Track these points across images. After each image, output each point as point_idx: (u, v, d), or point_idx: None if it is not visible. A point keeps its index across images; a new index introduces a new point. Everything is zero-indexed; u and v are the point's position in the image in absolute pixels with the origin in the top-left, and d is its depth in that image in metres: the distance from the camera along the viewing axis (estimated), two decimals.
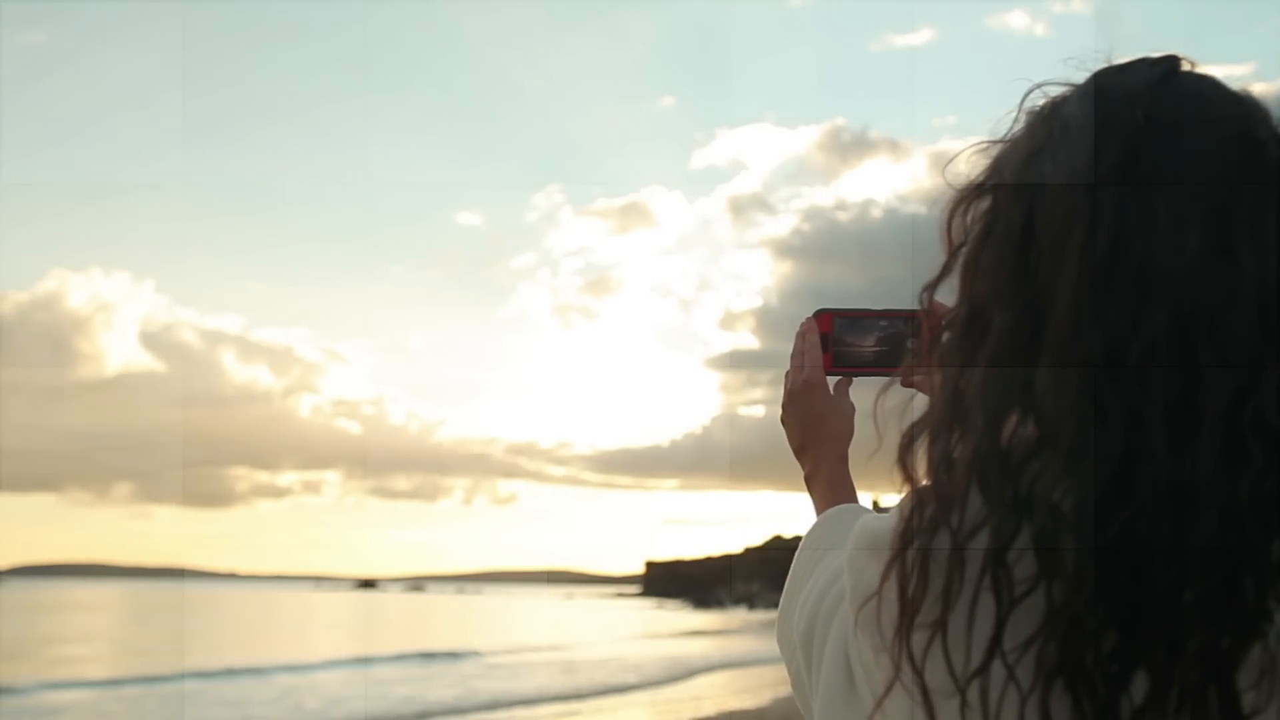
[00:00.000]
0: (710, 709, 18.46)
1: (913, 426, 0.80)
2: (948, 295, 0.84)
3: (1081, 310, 0.73)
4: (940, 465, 0.77)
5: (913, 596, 0.76)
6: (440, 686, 22.13)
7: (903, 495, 0.80)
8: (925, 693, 0.76)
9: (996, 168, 0.82)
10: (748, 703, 19.35)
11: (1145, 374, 0.72)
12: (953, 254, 0.82)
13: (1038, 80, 0.84)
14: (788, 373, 1.23)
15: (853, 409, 1.21)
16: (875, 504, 1.17)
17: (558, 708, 19.08)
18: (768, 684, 22.91)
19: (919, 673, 0.76)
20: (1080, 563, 0.71)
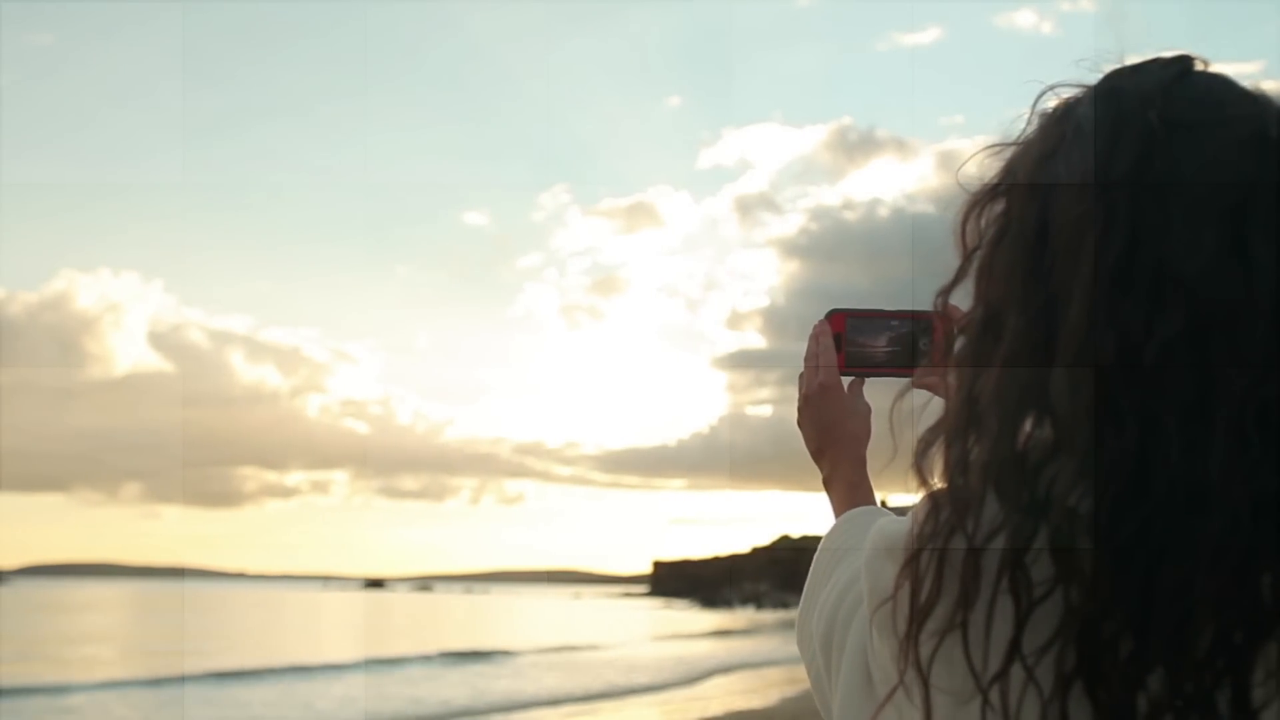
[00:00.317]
0: (718, 709, 18.46)
1: (929, 431, 0.80)
2: (961, 298, 0.83)
3: (1096, 312, 0.73)
4: (956, 469, 0.77)
5: (926, 600, 0.76)
6: (451, 687, 22.13)
7: (918, 499, 0.80)
8: (927, 696, 0.76)
9: (1010, 170, 0.82)
10: (756, 703, 19.33)
11: (1160, 376, 0.71)
12: (967, 258, 0.82)
13: (1049, 81, 0.83)
14: (802, 375, 1.23)
15: (868, 410, 1.21)
16: (883, 503, 1.18)
17: (568, 709, 19.07)
18: (775, 684, 22.90)
19: (924, 677, 0.76)
20: (1097, 565, 0.71)
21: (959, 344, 0.81)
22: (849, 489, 1.16)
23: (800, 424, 1.22)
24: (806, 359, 1.22)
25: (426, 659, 27.89)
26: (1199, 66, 0.80)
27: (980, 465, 0.76)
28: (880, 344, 1.22)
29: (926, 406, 0.82)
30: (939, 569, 0.76)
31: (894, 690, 0.78)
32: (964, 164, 0.84)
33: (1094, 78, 0.82)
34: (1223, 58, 0.80)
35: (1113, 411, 0.72)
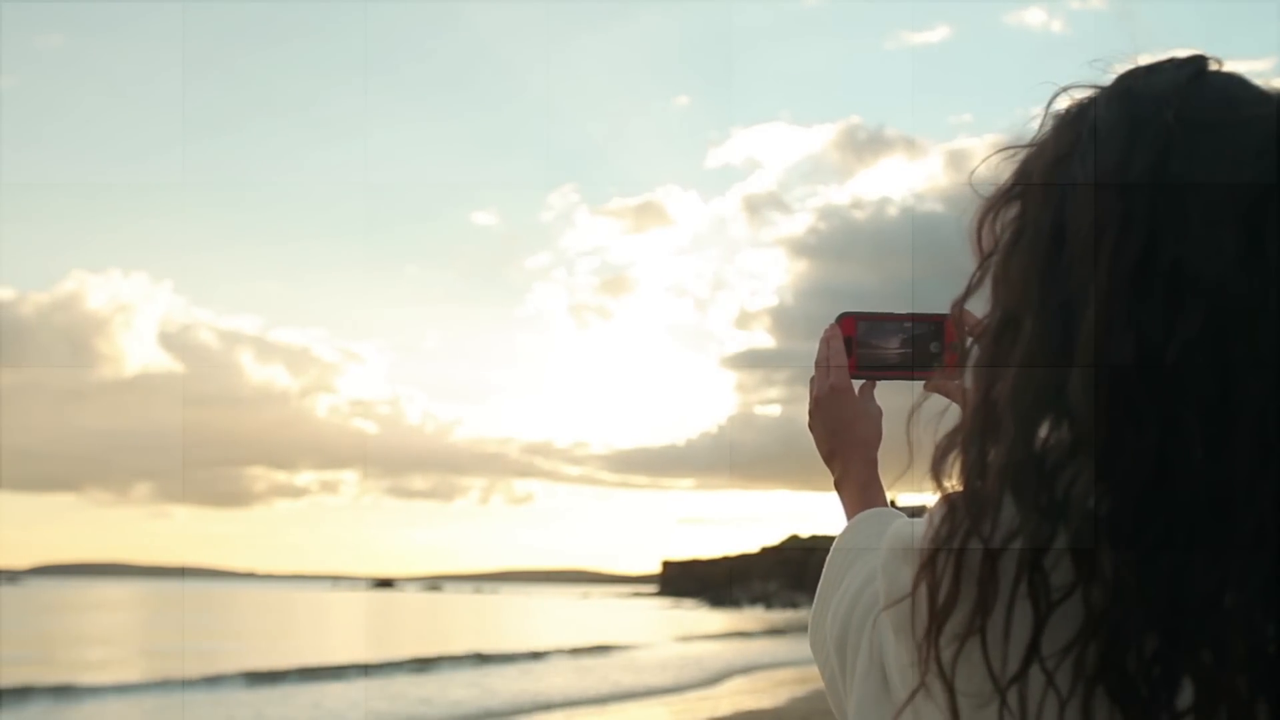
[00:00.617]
0: (728, 709, 18.46)
1: (946, 436, 0.79)
2: (974, 303, 0.83)
3: (1114, 314, 0.73)
4: (973, 472, 0.77)
5: (944, 604, 0.76)
6: (459, 689, 22.10)
7: (934, 501, 0.80)
8: (953, 699, 0.76)
9: (1024, 173, 0.82)
10: (765, 703, 19.33)
11: (1180, 377, 0.71)
12: (983, 262, 0.82)
13: (1061, 82, 0.83)
14: (813, 378, 1.23)
15: (879, 412, 1.21)
16: (892, 503, 1.17)
17: (576, 711, 19.07)
18: (785, 684, 22.88)
19: (948, 680, 0.75)
20: (1119, 567, 0.71)
21: (976, 347, 0.80)
22: (861, 491, 1.16)
23: (811, 426, 1.22)
24: (817, 362, 1.22)
25: (437, 661, 27.85)
26: (1213, 66, 0.79)
27: (997, 468, 0.75)
28: (892, 347, 1.22)
29: (945, 412, 0.81)
30: (957, 571, 0.76)
31: (915, 693, 0.78)
32: (976, 167, 0.84)
33: (1107, 79, 0.81)
34: (1233, 55, 0.80)
35: (1132, 413, 0.72)
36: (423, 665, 26.77)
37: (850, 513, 1.16)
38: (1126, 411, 0.72)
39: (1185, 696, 0.70)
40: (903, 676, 0.83)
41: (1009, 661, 0.74)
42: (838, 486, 1.19)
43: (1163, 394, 0.71)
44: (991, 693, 0.74)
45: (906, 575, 0.80)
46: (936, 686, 0.76)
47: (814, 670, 1.07)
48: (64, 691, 19.89)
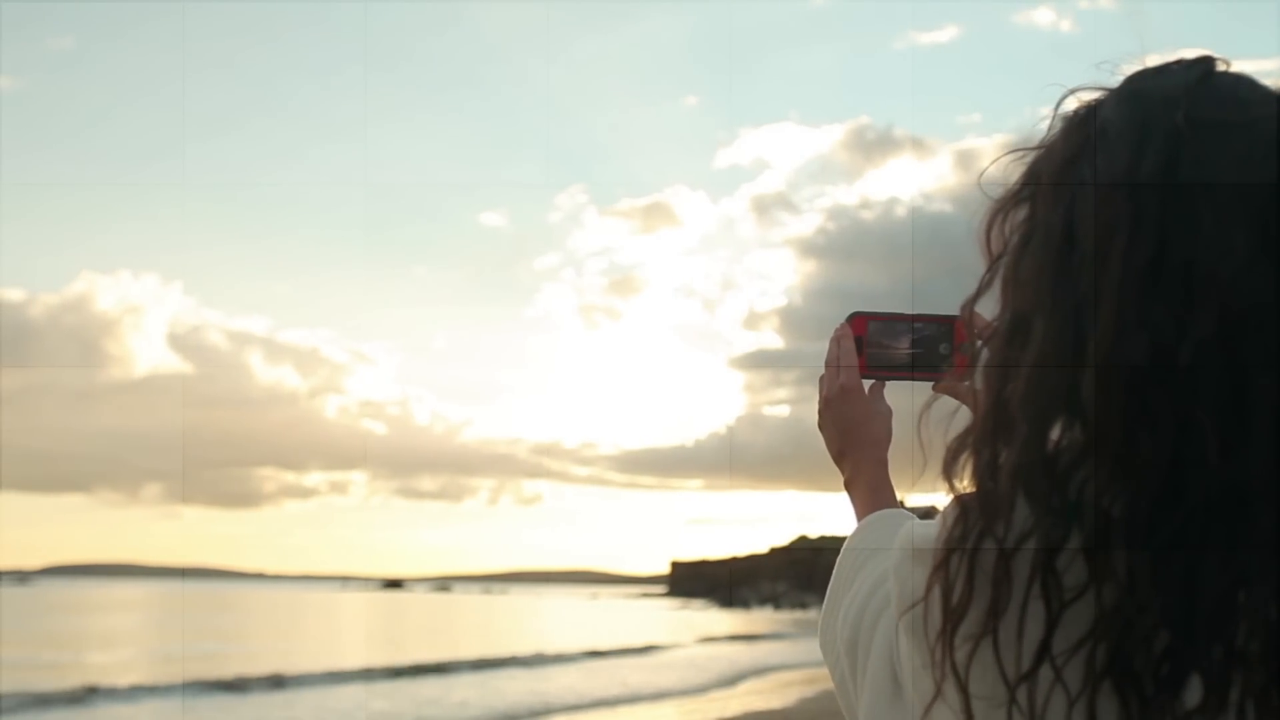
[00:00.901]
0: (736, 709, 18.45)
1: (958, 437, 0.80)
2: (983, 305, 0.83)
3: (1126, 315, 0.73)
4: (985, 473, 0.77)
5: (957, 606, 0.76)
6: (466, 691, 22.10)
7: (947, 502, 0.80)
8: (968, 702, 0.76)
9: (1033, 174, 0.82)
10: (774, 703, 19.31)
11: (1193, 377, 0.71)
12: (992, 264, 0.82)
13: (1069, 84, 0.83)
14: (822, 378, 1.23)
15: (890, 412, 1.21)
16: (901, 504, 1.17)
17: (586, 714, 19.05)
18: (794, 684, 22.86)
19: (963, 682, 0.76)
20: (1132, 567, 0.71)
21: (986, 349, 0.81)
22: (871, 491, 1.16)
23: (821, 426, 1.22)
24: (827, 361, 1.22)
25: (444, 664, 27.81)
26: (1221, 67, 0.80)
27: (1010, 469, 0.76)
28: (902, 347, 1.22)
29: (956, 413, 0.81)
30: (970, 573, 0.76)
31: (934, 700, 0.78)
32: (985, 169, 0.84)
33: (1115, 80, 0.82)
34: (1240, 55, 0.80)
35: (1146, 413, 0.72)
36: (431, 668, 26.72)
37: (861, 513, 1.15)
38: (1140, 412, 0.72)
39: (1193, 695, 0.70)
40: (915, 678, 0.83)
41: (1022, 663, 0.74)
42: (848, 487, 1.19)
43: (1176, 394, 0.71)
44: (1005, 694, 0.74)
45: (920, 577, 0.80)
46: (951, 689, 0.76)
47: (823, 671, 1.07)
48: (77, 696, 19.85)
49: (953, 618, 0.76)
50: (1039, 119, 0.83)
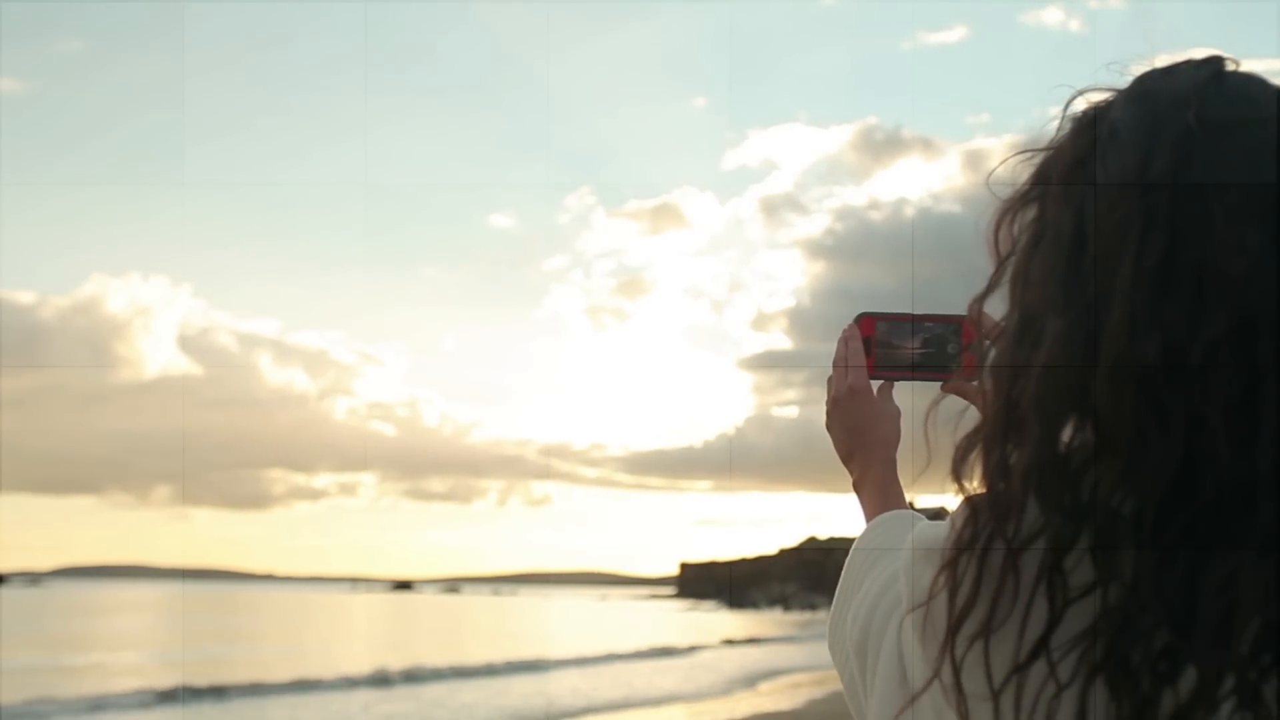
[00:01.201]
0: (746, 710, 18.43)
1: (967, 436, 0.79)
2: (990, 305, 0.83)
3: (1138, 314, 0.73)
4: (996, 473, 0.77)
5: (963, 604, 0.76)
6: (464, 694, 22.06)
7: (957, 503, 0.80)
8: (963, 699, 0.76)
9: (1042, 175, 0.82)
10: (784, 705, 19.29)
11: (1205, 377, 0.71)
12: (1000, 264, 0.82)
13: (1078, 85, 0.83)
14: (830, 379, 1.23)
15: (898, 412, 1.20)
16: (910, 505, 1.17)
17: (598, 718, 19.01)
18: (803, 686, 22.83)
19: (957, 679, 0.76)
20: (1137, 566, 0.71)
21: (994, 349, 0.80)
22: (880, 492, 1.16)
23: (829, 427, 1.22)
24: (835, 362, 1.22)
25: (451, 668, 27.72)
26: (1230, 66, 0.80)
27: (1021, 469, 0.75)
28: (910, 347, 1.22)
29: (964, 413, 0.81)
30: (978, 573, 0.76)
31: (926, 685, 0.79)
32: (994, 170, 0.84)
33: (1124, 81, 0.81)
34: (1249, 55, 0.80)
35: (1157, 413, 0.72)
36: (439, 673, 26.66)
37: (870, 514, 1.15)
38: (1152, 412, 0.72)
39: (1186, 690, 0.70)
40: (924, 679, 0.83)
41: (1019, 658, 0.74)
42: (857, 487, 1.19)
43: (1188, 394, 0.71)
44: (997, 687, 0.74)
45: (930, 577, 0.80)
46: (949, 686, 0.76)
47: (833, 673, 1.07)
48: (91, 702, 19.81)
49: (958, 617, 0.76)
50: (1048, 119, 0.83)
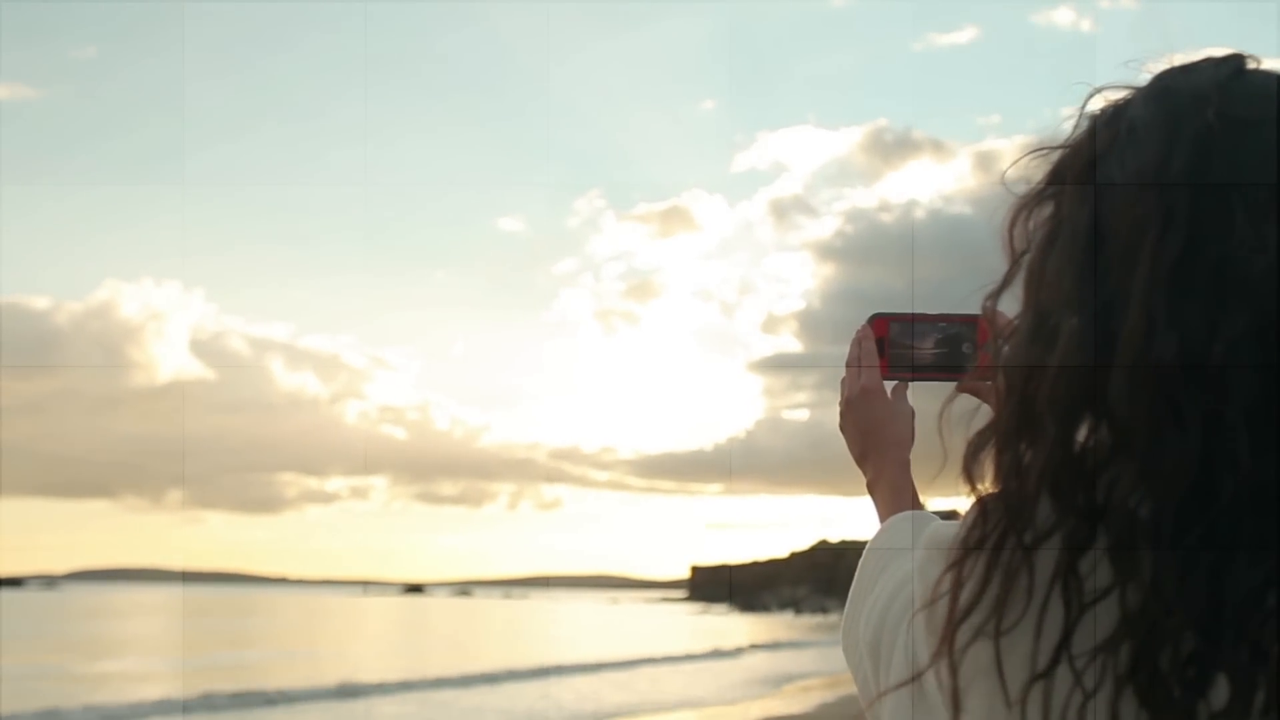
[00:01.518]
0: (757, 714, 18.39)
1: (978, 435, 0.79)
2: (1003, 303, 0.82)
3: (1156, 313, 0.72)
4: (1010, 473, 0.76)
5: (968, 603, 0.75)
6: (468, 699, 21.96)
7: (969, 503, 0.79)
8: (956, 699, 0.75)
9: (1058, 173, 0.81)
10: (795, 708, 19.24)
11: (1225, 377, 0.70)
12: (1015, 261, 0.81)
13: (1093, 82, 0.82)
14: (844, 380, 1.22)
15: (912, 413, 1.20)
16: (922, 506, 1.16)
17: None
18: (814, 690, 22.78)
19: (954, 676, 0.76)
20: (1158, 568, 0.70)
21: (1010, 347, 0.79)
22: (894, 493, 1.15)
23: (842, 428, 1.21)
24: (849, 363, 1.21)
25: (459, 674, 27.63)
26: (1252, 64, 0.79)
27: (1036, 469, 0.74)
28: (924, 347, 1.21)
29: (977, 411, 0.80)
30: (985, 572, 0.75)
31: (918, 675, 0.79)
32: (1008, 168, 0.83)
33: (1141, 79, 0.81)
34: (1268, 54, 0.79)
35: (1175, 413, 0.70)
36: (450, 680, 26.61)
37: (884, 515, 1.14)
38: (1169, 412, 0.71)
39: (1219, 697, 0.69)
40: (939, 679, 0.82)
41: (1037, 663, 0.73)
42: (870, 488, 1.18)
43: (1207, 394, 0.70)
44: (1017, 693, 0.73)
45: (944, 577, 0.79)
46: (945, 681, 0.76)
47: (844, 676, 1.06)
48: (103, 713, 19.75)
49: (960, 614, 0.75)
50: (1060, 119, 0.82)
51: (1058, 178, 0.80)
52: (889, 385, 1.21)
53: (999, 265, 0.82)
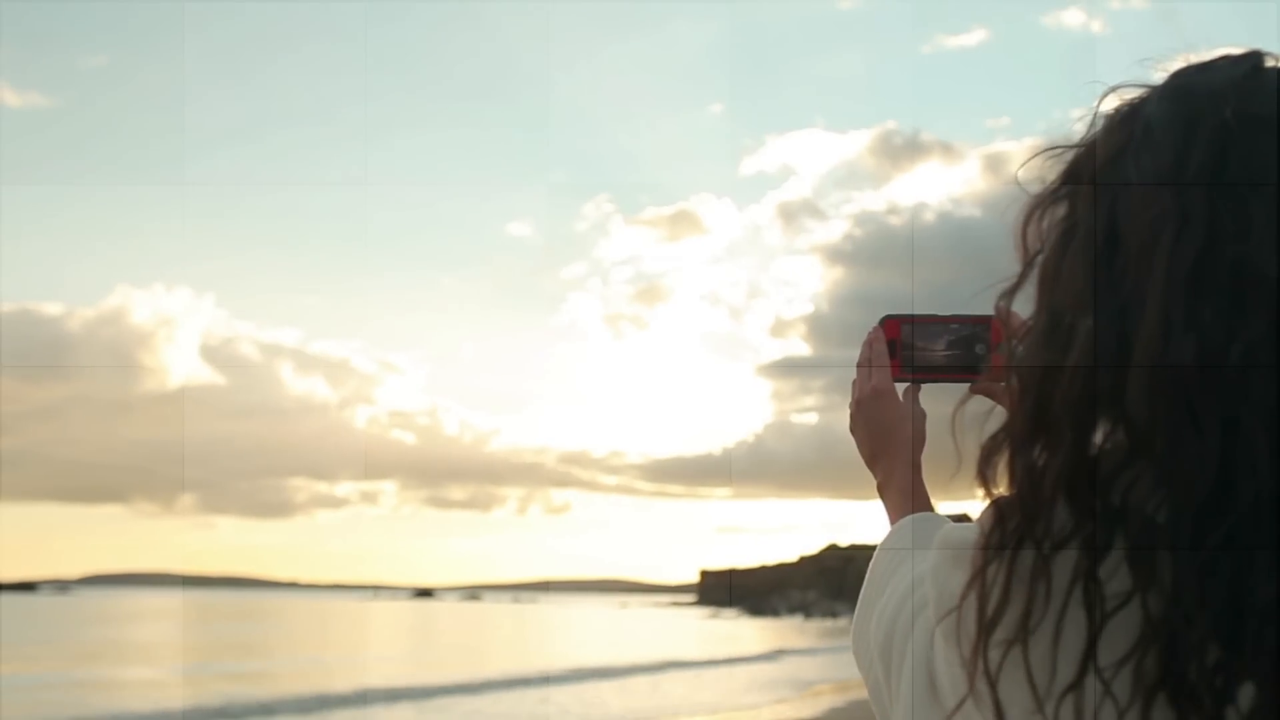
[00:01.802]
0: (766, 718, 18.34)
1: (992, 438, 0.77)
2: (1016, 303, 0.81)
3: (1173, 315, 0.71)
4: (1025, 476, 0.75)
5: (994, 611, 0.74)
6: (472, 702, 21.90)
7: (984, 506, 0.78)
8: (997, 707, 0.74)
9: (1072, 172, 0.79)
10: (804, 712, 19.19)
11: (1243, 379, 0.69)
12: (1029, 261, 0.80)
13: (1105, 82, 0.81)
14: (855, 381, 1.21)
15: (924, 414, 1.18)
16: (933, 509, 1.15)
17: None
18: (823, 694, 22.72)
19: (993, 686, 0.74)
20: (1178, 574, 0.69)
21: (1023, 349, 0.78)
22: (904, 496, 1.14)
23: (853, 429, 1.20)
24: (859, 365, 1.20)
25: (466, 681, 27.50)
26: (1270, 63, 0.77)
27: (1052, 473, 0.73)
28: (936, 349, 1.20)
29: (990, 413, 0.79)
30: (1008, 578, 0.74)
31: (964, 700, 0.77)
32: (1020, 167, 0.82)
33: (1156, 78, 0.79)
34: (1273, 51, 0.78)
35: (1193, 416, 0.69)
36: (461, 685, 26.50)
37: (894, 517, 1.13)
38: (1187, 415, 0.69)
39: (1245, 704, 0.68)
40: (953, 683, 0.81)
41: (1059, 670, 0.72)
42: (881, 491, 1.17)
43: (1225, 396, 0.69)
44: (1041, 700, 0.72)
45: (958, 581, 0.78)
46: (984, 694, 0.75)
47: (854, 681, 1.06)
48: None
49: (989, 623, 0.74)
50: (1070, 121, 0.81)
51: (1072, 177, 0.79)
52: (900, 387, 1.20)
53: (1009, 267, 0.80)
